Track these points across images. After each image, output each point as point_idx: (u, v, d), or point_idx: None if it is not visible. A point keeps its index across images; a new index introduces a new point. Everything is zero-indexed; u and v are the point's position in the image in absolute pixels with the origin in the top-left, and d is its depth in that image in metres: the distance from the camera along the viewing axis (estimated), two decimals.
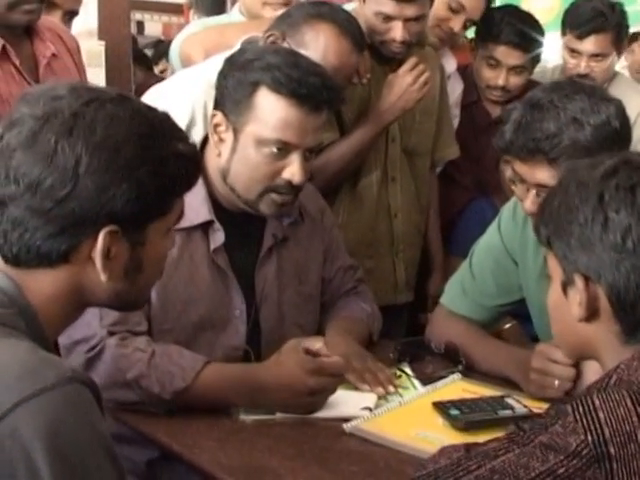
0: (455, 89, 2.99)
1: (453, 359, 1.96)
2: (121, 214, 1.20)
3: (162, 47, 4.55)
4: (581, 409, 1.16)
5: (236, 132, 1.84)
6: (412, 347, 2.02)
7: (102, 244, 1.20)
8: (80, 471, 1.06)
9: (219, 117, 1.86)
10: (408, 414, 1.70)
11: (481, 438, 1.51)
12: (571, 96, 1.76)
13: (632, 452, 1.13)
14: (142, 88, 2.55)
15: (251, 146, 1.82)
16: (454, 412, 1.65)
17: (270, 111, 1.81)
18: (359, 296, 2.19)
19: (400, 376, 1.89)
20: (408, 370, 1.94)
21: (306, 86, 1.80)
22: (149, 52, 4.43)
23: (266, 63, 1.83)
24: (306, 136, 1.83)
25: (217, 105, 1.89)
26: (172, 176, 1.25)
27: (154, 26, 4.57)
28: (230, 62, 1.89)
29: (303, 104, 1.80)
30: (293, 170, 1.82)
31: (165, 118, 1.28)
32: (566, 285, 1.30)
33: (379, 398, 1.77)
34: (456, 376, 1.87)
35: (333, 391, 1.70)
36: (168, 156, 1.24)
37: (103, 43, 2.77)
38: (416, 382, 1.87)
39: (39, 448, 1.02)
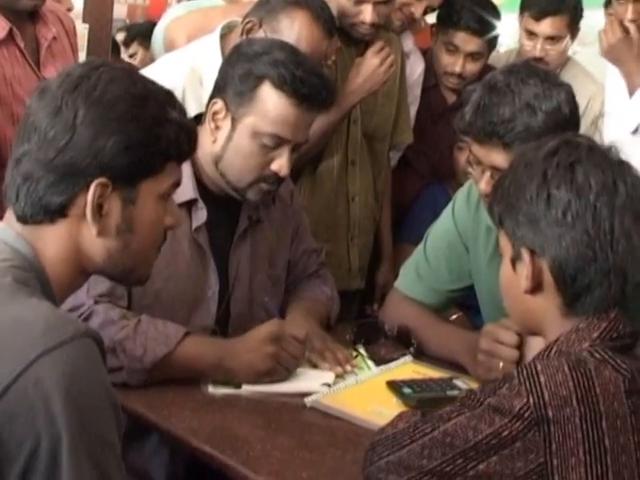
0: (415, 69, 3.05)
1: (405, 342, 2.13)
2: (111, 166, 1.30)
3: (134, 30, 4.62)
4: (525, 372, 1.30)
5: (234, 121, 1.97)
6: (367, 329, 2.18)
7: (93, 195, 1.30)
8: (89, 417, 1.17)
9: (219, 105, 1.98)
10: (364, 391, 1.87)
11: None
12: (526, 80, 1.89)
13: (567, 415, 1.25)
14: None
15: (247, 136, 1.95)
16: (407, 390, 1.83)
17: (271, 106, 1.94)
18: (321, 279, 2.34)
19: (356, 356, 2.06)
20: (363, 351, 2.11)
21: (308, 86, 1.93)
22: (121, 35, 4.50)
23: (274, 59, 1.94)
24: (298, 132, 1.97)
25: (217, 92, 1.99)
26: (162, 137, 1.35)
27: (120, 8, 4.64)
28: (239, 52, 2.00)
29: (302, 103, 1.94)
30: (281, 163, 1.96)
31: (165, 91, 1.41)
32: (515, 260, 1.43)
33: (337, 376, 1.94)
34: (407, 358, 2.05)
35: (296, 361, 1.87)
36: (160, 119, 1.36)
37: (87, 26, 2.87)
38: (370, 363, 2.04)
39: (58, 397, 1.14)
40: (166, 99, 1.39)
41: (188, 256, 2.03)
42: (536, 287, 1.41)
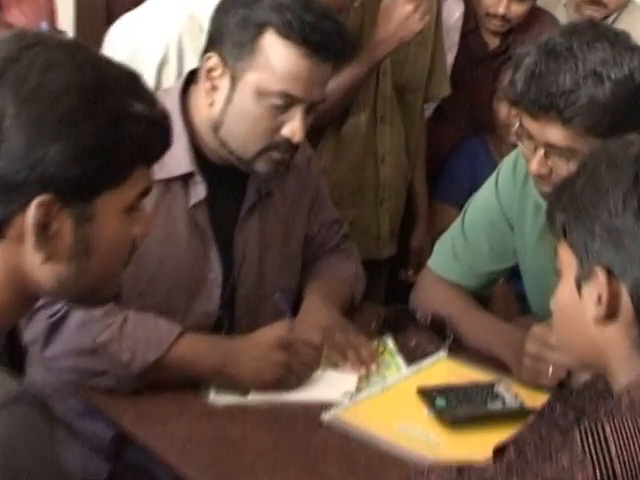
0: (453, 11, 2.76)
1: (439, 333, 1.85)
2: (56, 179, 1.02)
3: None
4: (590, 439, 1.03)
5: (234, 79, 1.66)
6: (395, 316, 1.90)
7: (35, 216, 1.02)
8: None
9: (214, 60, 1.66)
10: (391, 401, 1.59)
11: (469, 433, 1.44)
12: (591, 44, 1.58)
13: None
14: None
15: (250, 97, 1.65)
16: (440, 402, 1.55)
17: (277, 59, 1.63)
18: (343, 254, 2.06)
19: (383, 351, 1.78)
20: (390, 343, 1.83)
21: (320, 32, 1.61)
22: None
23: (276, 1, 1.63)
24: (313, 89, 1.66)
25: (212, 45, 1.68)
26: (124, 139, 1.06)
27: None
28: None
29: (315, 53, 1.62)
30: (294, 127, 1.66)
31: (125, 73, 1.10)
32: (581, 281, 1.15)
33: (360, 379, 1.67)
34: (442, 353, 1.77)
35: (310, 369, 1.60)
36: (120, 115, 1.06)
37: None
38: (399, 359, 1.77)
39: None
40: (128, 86, 1.09)
41: (185, 237, 1.76)
42: (609, 315, 1.12)
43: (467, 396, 1.58)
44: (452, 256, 1.96)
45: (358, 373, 1.68)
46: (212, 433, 1.49)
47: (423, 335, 1.87)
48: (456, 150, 2.83)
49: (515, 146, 2.70)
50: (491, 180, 1.95)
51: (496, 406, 1.55)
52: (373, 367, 1.70)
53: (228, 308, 1.84)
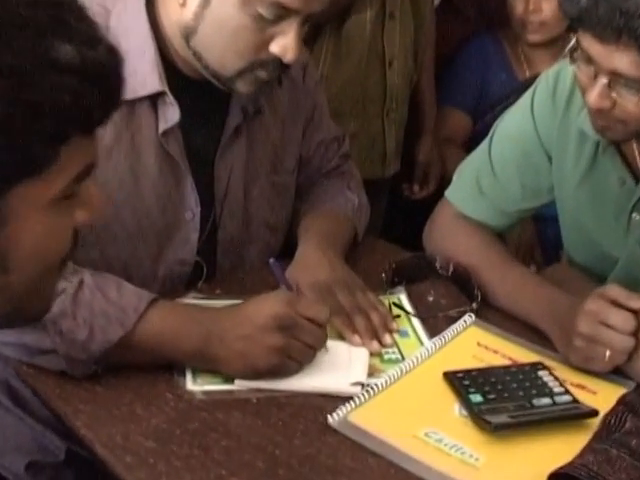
0: None
1: (464, 288, 1.53)
2: None
3: None
4: None
5: None
6: (410, 266, 1.58)
7: None
8: None
9: None
10: (411, 392, 1.28)
11: (512, 441, 1.15)
12: None
13: None
14: None
15: (232, 4, 1.28)
16: (475, 398, 1.24)
17: None
18: (344, 179, 1.73)
19: (397, 317, 1.46)
20: (404, 300, 1.51)
21: None
22: None
23: None
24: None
25: None
26: (42, 103, 0.72)
27: None
28: None
29: None
30: (286, 44, 1.30)
31: (49, 8, 0.74)
32: None
33: (372, 354, 1.36)
34: (468, 319, 1.45)
35: (313, 352, 1.27)
36: (37, 64, 0.72)
37: None
38: (417, 325, 1.45)
39: None
40: (50, 24, 0.73)
41: (154, 172, 1.42)
42: None
43: (507, 389, 1.27)
44: (476, 191, 1.62)
45: (369, 348, 1.36)
46: (189, 445, 1.16)
47: (442, 286, 1.56)
48: (465, 47, 2.46)
49: (534, 46, 2.37)
50: (524, 103, 1.59)
51: (544, 404, 1.24)
52: (387, 339, 1.39)
53: (207, 253, 1.52)
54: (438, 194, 1.79)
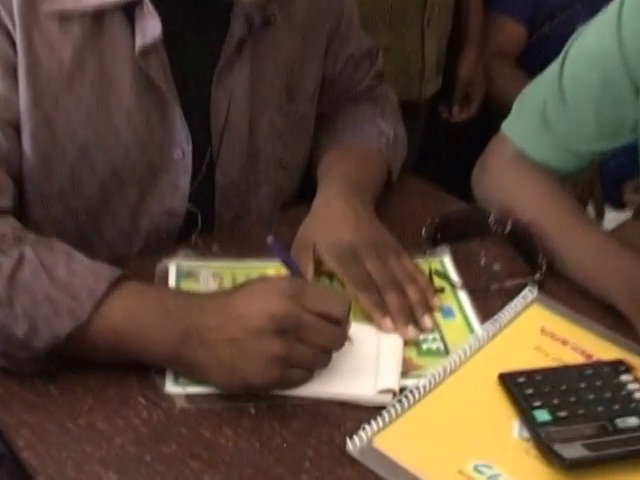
0: None
1: (524, 252, 1.22)
2: None
3: None
4: None
5: None
6: (457, 220, 1.26)
7: None
8: None
9: None
10: (457, 403, 0.98)
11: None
12: None
13: None
14: None
15: None
16: (542, 416, 0.94)
17: None
18: (376, 105, 1.41)
19: (441, 291, 1.15)
20: (449, 265, 1.21)
21: None
22: None
23: None
24: None
25: None
26: None
27: None
28: None
29: None
30: None
31: None
32: None
33: (407, 343, 1.06)
34: (529, 294, 1.14)
35: (328, 358, 0.97)
36: None
37: None
38: (464, 301, 1.15)
39: None
40: None
41: (130, 100, 1.11)
42: None
43: (581, 399, 0.97)
44: (541, 124, 1.30)
45: (404, 336, 1.06)
46: (161, 460, 0.88)
47: (497, 251, 1.25)
48: None
49: None
50: (608, 16, 1.24)
51: (631, 426, 0.94)
52: (428, 322, 1.08)
53: (203, 201, 1.23)
54: (482, 121, 1.48)
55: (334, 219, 1.16)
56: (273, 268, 1.12)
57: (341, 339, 0.95)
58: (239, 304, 0.92)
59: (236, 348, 0.91)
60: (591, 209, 1.88)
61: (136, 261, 1.17)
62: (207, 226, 1.24)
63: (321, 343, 0.93)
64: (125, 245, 1.18)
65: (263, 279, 0.96)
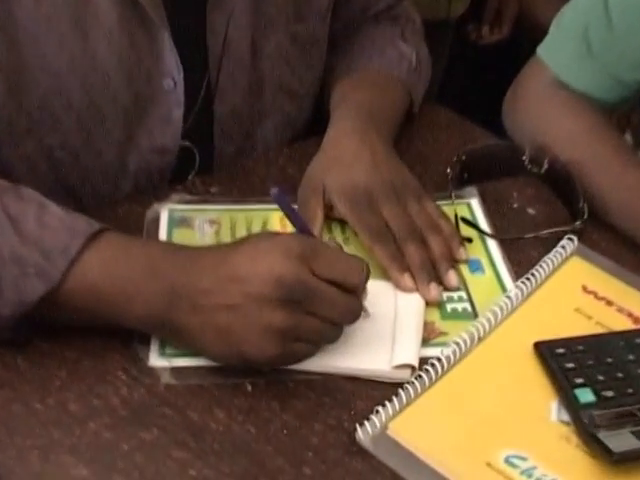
0: None
1: (562, 195, 1.07)
2: None
3: None
4: None
5: None
6: (486, 157, 1.11)
7: None
8: None
9: None
10: (486, 379, 0.85)
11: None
12: None
13: None
14: None
15: None
16: (585, 396, 0.81)
17: None
18: (396, 25, 1.25)
19: (468, 241, 1.01)
20: (477, 209, 1.07)
21: None
22: None
23: None
24: None
25: None
26: None
27: None
28: None
29: None
30: None
31: None
32: None
33: (429, 304, 0.92)
34: (569, 244, 1.00)
35: (339, 330, 0.83)
36: None
37: None
38: (494, 250, 1.01)
39: None
40: None
41: (111, 21, 0.96)
42: None
43: (630, 374, 0.84)
44: (583, 50, 1.14)
45: (426, 297, 0.92)
46: (142, 449, 0.76)
47: (531, 193, 1.10)
48: None
49: None
50: None
51: None
52: (453, 278, 0.95)
53: (200, 135, 1.09)
54: (514, 44, 1.31)
55: (347, 157, 1.01)
56: (279, 214, 0.99)
57: (355, 312, 0.81)
58: (240, 264, 0.78)
59: (234, 315, 0.77)
60: (629, 137, 1.72)
61: (124, 206, 1.03)
62: (206, 165, 1.10)
63: (332, 316, 0.79)
64: (111, 187, 1.05)
65: (268, 235, 0.82)
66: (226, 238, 0.99)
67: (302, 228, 0.83)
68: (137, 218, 1.01)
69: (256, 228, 1.01)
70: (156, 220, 1.00)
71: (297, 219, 0.82)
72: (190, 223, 1.01)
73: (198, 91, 1.05)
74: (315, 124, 1.19)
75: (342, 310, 0.79)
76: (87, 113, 0.98)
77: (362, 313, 0.83)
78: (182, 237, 0.98)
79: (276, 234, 0.82)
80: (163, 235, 0.98)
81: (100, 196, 1.04)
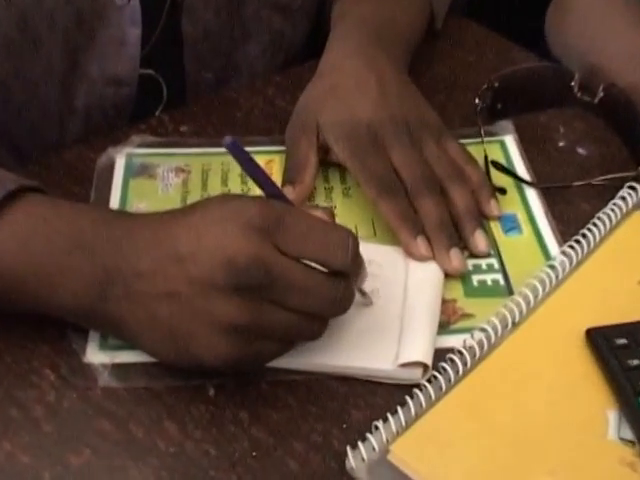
0: None
1: (621, 131, 0.86)
2: None
3: None
4: None
5: None
6: (524, 83, 0.90)
7: None
8: None
9: None
10: (520, 384, 0.65)
11: None
12: None
13: None
14: None
15: None
16: None
17: None
18: None
19: (502, 191, 0.80)
20: (514, 150, 0.86)
21: None
22: None
23: None
24: None
25: None
26: None
27: None
28: None
29: None
30: None
31: None
32: None
33: (448, 276, 0.72)
34: (629, 195, 0.79)
35: (313, 333, 0.63)
36: None
37: None
38: (534, 203, 0.80)
39: None
40: None
41: None
42: None
43: None
44: None
45: (447, 269, 0.72)
46: (75, 465, 0.58)
47: (581, 127, 0.89)
48: None
49: None
50: None
51: None
52: (481, 242, 0.74)
53: (167, 62, 0.88)
54: None
55: (347, 86, 0.80)
56: (277, 155, 0.80)
57: (341, 301, 0.61)
58: (182, 239, 0.58)
59: (176, 306, 0.58)
60: None
61: (72, 151, 0.84)
62: (176, 99, 0.90)
63: (306, 306, 0.59)
64: (56, 129, 0.85)
65: (222, 200, 0.61)
66: (195, 191, 0.79)
67: (270, 190, 0.62)
68: (87, 166, 0.82)
69: (234, 177, 0.81)
70: (110, 168, 0.81)
71: (262, 178, 0.61)
72: (152, 171, 0.81)
73: (161, 5, 0.84)
74: (315, 47, 0.97)
75: (320, 298, 0.59)
76: (15, 36, 0.78)
77: (361, 299, 0.63)
78: (140, 190, 0.79)
79: (233, 198, 0.62)
80: (117, 188, 0.79)
81: (42, 139, 0.85)
